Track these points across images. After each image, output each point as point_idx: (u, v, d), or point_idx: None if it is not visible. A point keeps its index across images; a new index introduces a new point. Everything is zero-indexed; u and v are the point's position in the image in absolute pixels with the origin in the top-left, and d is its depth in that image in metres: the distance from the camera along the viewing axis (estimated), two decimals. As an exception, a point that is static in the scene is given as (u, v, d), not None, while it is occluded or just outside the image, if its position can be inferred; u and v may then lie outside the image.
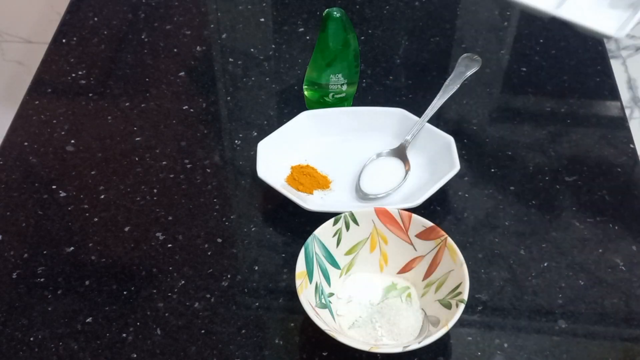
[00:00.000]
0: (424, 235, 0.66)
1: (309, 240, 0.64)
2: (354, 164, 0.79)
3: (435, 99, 0.82)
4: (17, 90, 0.99)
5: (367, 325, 0.64)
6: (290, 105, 0.87)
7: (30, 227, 0.74)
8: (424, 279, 0.66)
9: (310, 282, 0.63)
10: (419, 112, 0.80)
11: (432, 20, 1.00)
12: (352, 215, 0.66)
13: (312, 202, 0.74)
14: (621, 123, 0.85)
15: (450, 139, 0.76)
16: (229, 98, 0.89)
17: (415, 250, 0.66)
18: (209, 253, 0.72)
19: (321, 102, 0.83)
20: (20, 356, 0.63)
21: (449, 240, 0.64)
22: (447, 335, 0.58)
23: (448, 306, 0.61)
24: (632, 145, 0.82)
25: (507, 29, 0.99)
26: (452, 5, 1.03)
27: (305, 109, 0.84)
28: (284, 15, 1.01)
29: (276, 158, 0.77)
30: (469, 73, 0.84)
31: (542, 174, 0.79)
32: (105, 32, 0.98)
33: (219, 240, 0.73)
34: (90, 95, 0.89)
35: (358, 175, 0.77)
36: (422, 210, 0.72)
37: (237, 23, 1.00)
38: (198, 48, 0.96)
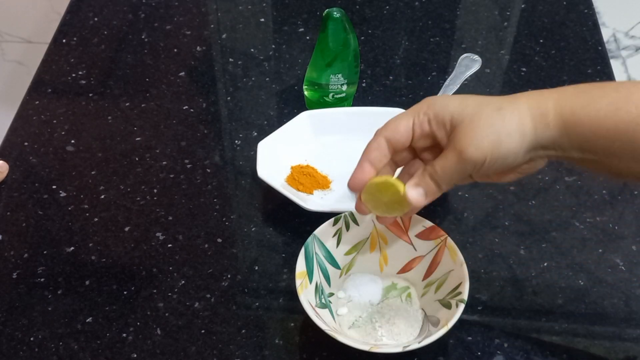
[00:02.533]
0: (424, 235, 0.66)
1: (309, 240, 0.64)
2: (354, 164, 0.78)
3: (435, 99, 0.81)
4: (17, 90, 0.99)
5: (367, 325, 0.64)
6: (290, 105, 0.87)
7: (30, 227, 0.74)
8: (424, 279, 0.66)
9: (310, 282, 0.63)
10: (419, 112, 0.80)
11: (432, 20, 1.00)
12: (352, 215, 0.66)
13: (312, 202, 0.74)
14: (621, 123, 0.85)
15: (450, 139, 0.76)
16: (229, 98, 0.89)
17: (415, 250, 0.66)
18: (209, 253, 0.72)
19: (321, 102, 0.83)
20: (20, 356, 0.63)
21: (449, 240, 0.64)
22: (447, 335, 0.58)
23: (448, 306, 0.61)
24: (632, 145, 0.82)
25: (507, 29, 0.99)
26: (452, 5, 1.03)
27: (305, 109, 0.84)
28: (284, 15, 1.01)
29: (276, 158, 0.77)
30: (469, 73, 0.84)
31: (542, 174, 0.79)
32: (105, 32, 0.98)
33: (219, 240, 0.73)
34: (90, 95, 0.89)
35: (358, 175, 0.77)
36: (422, 210, 0.71)
37: (237, 23, 1.00)
38: (198, 48, 0.96)
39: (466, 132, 0.50)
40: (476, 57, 0.85)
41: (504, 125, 0.49)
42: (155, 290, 0.68)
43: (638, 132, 0.47)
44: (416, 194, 0.53)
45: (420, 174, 0.53)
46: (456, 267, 0.62)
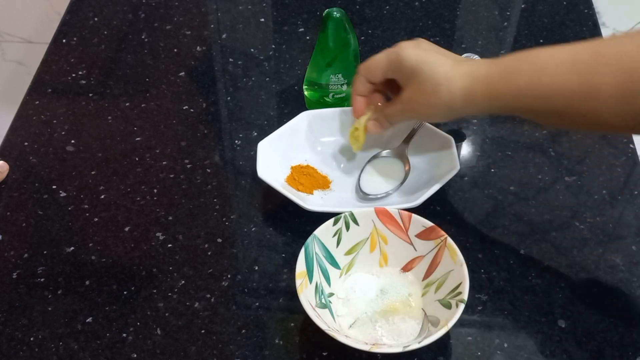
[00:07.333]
0: (424, 235, 0.66)
1: (309, 240, 0.64)
2: (354, 164, 0.79)
3: (435, 99, 0.81)
4: (17, 90, 0.99)
5: (367, 325, 0.64)
6: (290, 105, 0.87)
7: (30, 227, 0.74)
8: (424, 279, 0.66)
9: (310, 282, 0.63)
10: (419, 112, 0.80)
11: (432, 20, 1.00)
12: (352, 215, 0.66)
13: (312, 202, 0.74)
14: (621, 123, 0.85)
15: (450, 139, 0.76)
16: (229, 98, 0.89)
17: (415, 250, 0.66)
18: (209, 253, 0.72)
19: (321, 102, 0.83)
20: (20, 356, 0.63)
21: (449, 240, 0.64)
22: (447, 335, 0.58)
23: (448, 306, 0.61)
24: (632, 145, 0.82)
25: (507, 29, 0.99)
26: (452, 5, 1.03)
27: (305, 109, 0.84)
28: (284, 15, 1.01)
29: (276, 158, 0.77)
30: (469, 73, 0.84)
31: (542, 174, 0.79)
32: (105, 32, 0.98)
33: (219, 240, 0.73)
34: (90, 95, 0.89)
35: (358, 175, 0.77)
36: (422, 210, 0.72)
37: (237, 23, 1.00)
38: (198, 48, 0.96)
39: (410, 95, 0.67)
40: (476, 57, 0.85)
41: (436, 102, 0.65)
42: (155, 290, 0.68)
43: (552, 97, 0.59)
44: (372, 125, 0.73)
45: (377, 112, 0.73)
46: (456, 267, 0.62)
